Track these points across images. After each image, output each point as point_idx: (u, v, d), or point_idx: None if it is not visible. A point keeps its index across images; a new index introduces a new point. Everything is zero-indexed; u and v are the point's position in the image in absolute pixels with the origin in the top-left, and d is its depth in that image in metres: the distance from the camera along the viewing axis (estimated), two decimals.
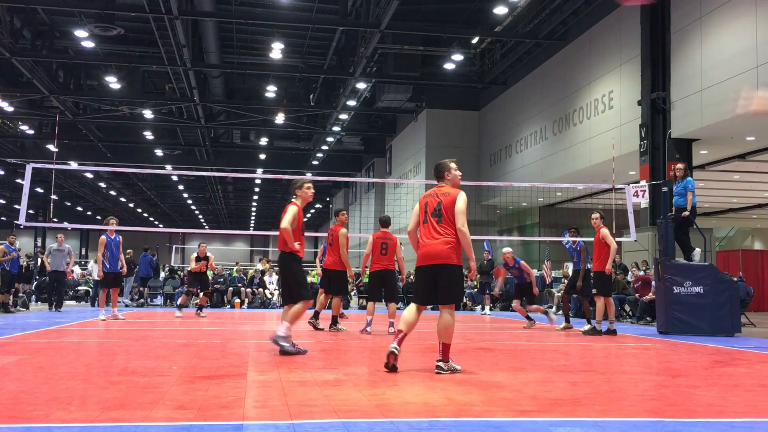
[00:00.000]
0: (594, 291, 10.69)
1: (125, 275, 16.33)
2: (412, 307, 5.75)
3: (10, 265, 15.50)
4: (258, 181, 47.37)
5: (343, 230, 10.29)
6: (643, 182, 16.47)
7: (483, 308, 18.35)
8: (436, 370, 5.52)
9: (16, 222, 13.64)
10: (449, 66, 25.24)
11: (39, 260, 20.86)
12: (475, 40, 24.86)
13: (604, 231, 10.43)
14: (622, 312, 15.63)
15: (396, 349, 5.53)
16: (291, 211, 7.07)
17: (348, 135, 34.62)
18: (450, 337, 5.61)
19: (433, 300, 5.75)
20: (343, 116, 30.28)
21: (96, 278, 19.08)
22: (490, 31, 23.04)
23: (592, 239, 10.90)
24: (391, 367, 5.56)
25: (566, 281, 17.33)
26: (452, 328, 5.62)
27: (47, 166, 15.06)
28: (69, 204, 54.17)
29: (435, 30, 22.81)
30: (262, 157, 37.00)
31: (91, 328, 10.92)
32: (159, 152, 36.47)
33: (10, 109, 28.36)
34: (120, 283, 13.51)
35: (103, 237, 12.53)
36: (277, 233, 7.25)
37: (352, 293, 23.12)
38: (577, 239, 11.50)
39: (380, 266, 10.13)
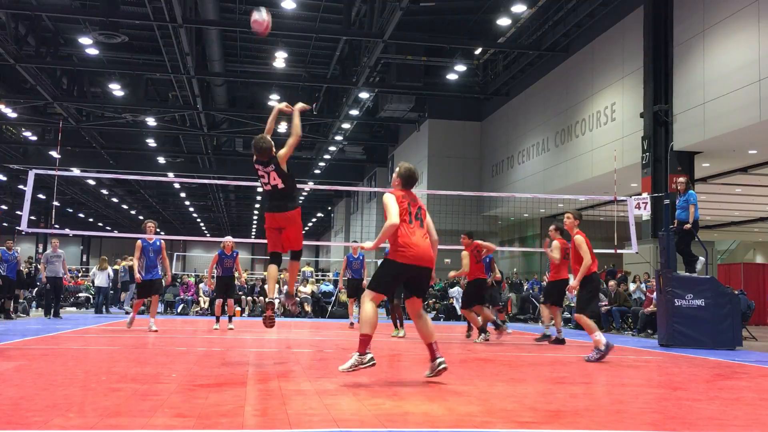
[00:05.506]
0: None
1: (167, 284, 15.09)
2: (372, 306, 5.57)
3: (7, 270, 15.37)
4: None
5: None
6: (644, 194, 16.46)
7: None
8: (443, 366, 5.56)
9: (17, 228, 13.61)
10: (452, 76, 25.32)
11: (34, 266, 20.83)
12: (477, 51, 24.92)
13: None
14: (624, 324, 15.60)
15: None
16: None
17: (350, 144, 34.65)
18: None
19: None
20: (346, 125, 30.33)
21: (98, 285, 19.13)
22: (493, 42, 23.10)
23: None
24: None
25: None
26: None
27: (50, 172, 15.09)
28: (71, 210, 54.23)
29: (438, 40, 22.88)
30: None
31: (91, 334, 10.91)
32: (161, 160, 36.52)
33: (14, 115, 28.47)
34: (159, 291, 12.10)
35: (139, 242, 11.56)
36: None
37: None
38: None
39: None
